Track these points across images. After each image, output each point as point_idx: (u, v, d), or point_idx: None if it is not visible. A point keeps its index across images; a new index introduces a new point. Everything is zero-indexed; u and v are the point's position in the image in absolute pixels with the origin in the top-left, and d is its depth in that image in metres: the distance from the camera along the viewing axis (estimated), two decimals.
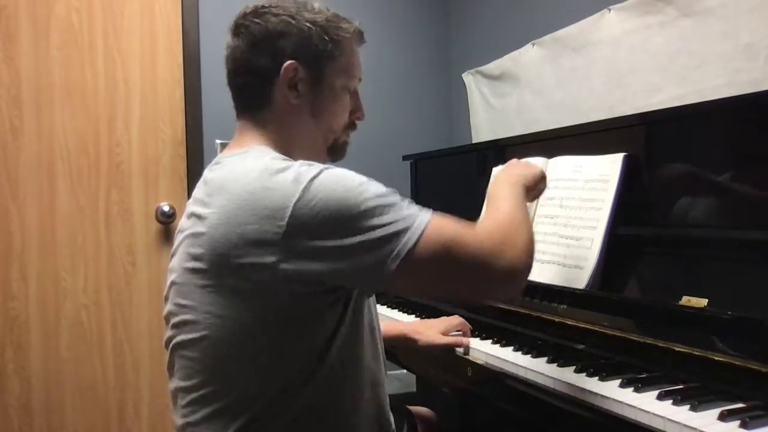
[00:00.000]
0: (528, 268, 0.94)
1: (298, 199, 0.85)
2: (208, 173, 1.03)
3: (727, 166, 1.16)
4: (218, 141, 2.31)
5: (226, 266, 0.88)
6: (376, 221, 0.85)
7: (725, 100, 1.27)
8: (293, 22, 1.00)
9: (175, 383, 1.00)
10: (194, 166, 2.28)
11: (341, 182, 0.87)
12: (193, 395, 0.95)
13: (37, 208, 2.09)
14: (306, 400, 0.93)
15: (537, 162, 1.52)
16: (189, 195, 2.24)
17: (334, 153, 1.11)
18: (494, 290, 0.96)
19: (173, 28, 2.26)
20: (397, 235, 0.85)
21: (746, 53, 1.47)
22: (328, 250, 0.85)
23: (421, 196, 2.22)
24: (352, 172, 0.90)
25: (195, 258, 0.92)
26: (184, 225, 1.02)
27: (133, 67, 2.21)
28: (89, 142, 2.15)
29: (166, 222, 2.25)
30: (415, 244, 0.85)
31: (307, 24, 1.00)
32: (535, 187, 1.17)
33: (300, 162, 0.92)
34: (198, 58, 2.29)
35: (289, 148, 1.02)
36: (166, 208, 2.23)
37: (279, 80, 1.00)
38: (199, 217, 0.94)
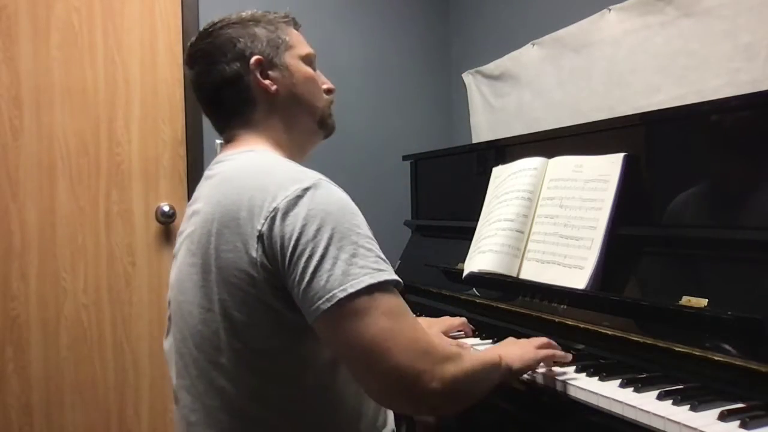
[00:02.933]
0: (440, 404, 0.87)
1: (286, 200, 0.86)
2: (208, 172, 1.06)
3: (727, 166, 1.16)
4: (218, 141, 2.30)
5: (215, 259, 0.90)
6: (341, 253, 0.84)
7: (725, 100, 1.27)
8: (237, 25, 1.08)
9: (173, 380, 1.01)
10: (194, 166, 2.28)
11: (332, 199, 0.89)
12: (191, 392, 0.95)
13: (37, 208, 2.09)
14: (305, 399, 0.93)
15: (537, 162, 1.52)
16: (189, 195, 2.26)
17: (324, 127, 1.14)
18: (391, 390, 0.85)
19: (173, 28, 2.26)
20: (347, 276, 0.83)
21: (746, 53, 1.47)
22: (286, 257, 0.85)
23: (420, 196, 2.22)
24: (348, 197, 0.91)
25: (192, 254, 0.95)
26: (185, 225, 1.03)
27: (133, 67, 2.21)
28: (89, 142, 2.15)
29: (166, 222, 2.24)
30: (354, 295, 0.82)
31: (250, 22, 1.08)
32: (520, 361, 1.06)
33: (300, 168, 0.94)
34: None
35: (284, 137, 1.06)
36: (166, 208, 2.23)
37: (252, 77, 1.04)
38: (197, 213, 0.97)
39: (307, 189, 0.88)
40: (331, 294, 0.82)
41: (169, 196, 2.26)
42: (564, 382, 1.06)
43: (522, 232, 1.48)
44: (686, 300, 1.07)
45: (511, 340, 1.16)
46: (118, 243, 2.19)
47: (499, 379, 0.98)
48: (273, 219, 0.86)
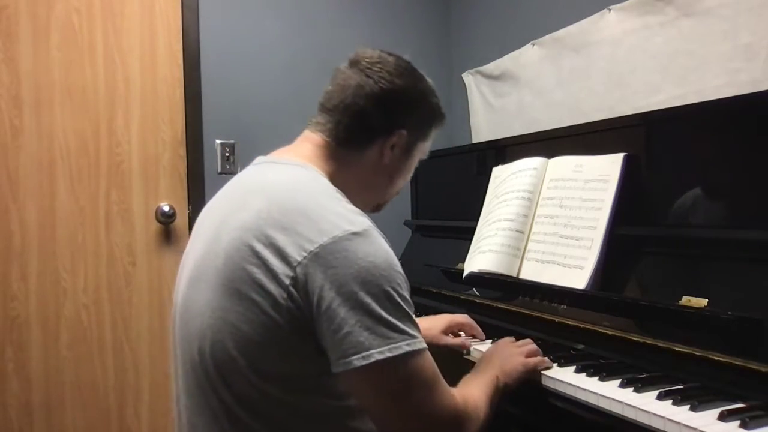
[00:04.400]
0: None
1: (333, 241, 0.84)
2: (253, 168, 1.03)
3: (727, 166, 1.16)
4: (218, 141, 2.31)
5: (239, 270, 0.87)
6: (384, 312, 0.83)
7: (725, 100, 1.27)
8: (422, 96, 1.07)
9: (177, 378, 1.00)
10: (194, 166, 2.28)
11: (379, 253, 0.86)
12: (195, 394, 0.94)
13: (37, 208, 2.09)
14: (309, 422, 0.91)
15: (537, 162, 1.52)
16: (189, 195, 2.27)
17: (377, 208, 1.14)
18: None
19: (173, 28, 2.26)
20: (387, 339, 0.82)
21: (746, 53, 1.47)
22: (324, 300, 0.83)
23: (420, 196, 2.22)
24: (392, 252, 0.90)
25: (216, 255, 0.91)
26: (212, 218, 1.00)
27: (133, 67, 2.21)
28: (89, 142, 2.15)
29: (166, 222, 2.24)
30: (391, 360, 0.82)
31: (430, 104, 1.09)
32: (514, 377, 1.10)
33: (353, 208, 0.91)
34: (198, 58, 2.29)
35: (344, 188, 0.98)
36: (166, 208, 2.23)
37: (384, 141, 1.03)
38: (229, 214, 0.94)
39: (357, 234, 0.85)
40: (368, 353, 0.81)
41: (169, 196, 2.26)
42: (564, 382, 1.06)
43: (522, 232, 1.48)
44: (686, 300, 1.08)
45: (501, 347, 1.17)
46: (118, 243, 2.19)
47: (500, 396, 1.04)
48: (316, 256, 0.83)
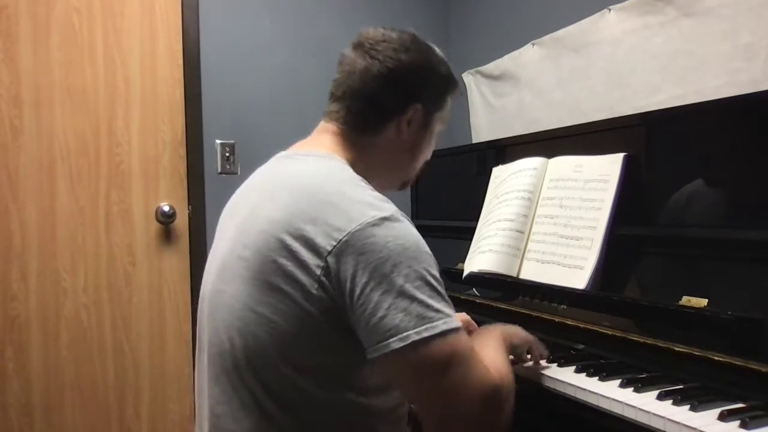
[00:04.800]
0: (502, 423, 0.92)
1: (361, 228, 0.84)
2: (276, 162, 1.02)
3: (727, 166, 1.16)
4: (218, 141, 2.31)
5: (269, 262, 0.87)
6: (417, 293, 0.83)
7: (725, 100, 1.27)
8: (430, 68, 1.04)
9: (202, 368, 1.00)
10: (194, 166, 2.27)
11: (407, 236, 0.87)
12: (220, 384, 0.94)
13: (37, 208, 2.09)
14: (336, 416, 0.91)
15: (537, 162, 1.52)
16: (189, 195, 2.27)
17: (401, 188, 1.15)
18: (465, 427, 0.87)
19: (173, 28, 2.26)
20: (423, 319, 0.82)
21: (746, 53, 1.47)
22: (357, 286, 0.83)
23: (420, 196, 2.22)
24: (420, 235, 0.90)
25: (244, 246, 0.92)
26: (237, 210, 1.01)
27: (133, 67, 2.21)
28: (89, 142, 2.15)
29: (166, 222, 2.24)
30: (429, 339, 0.82)
31: (441, 74, 1.06)
32: (519, 345, 1.12)
33: (379, 195, 0.92)
34: (198, 58, 2.29)
35: (367, 173, 0.99)
36: (166, 208, 2.23)
37: (400, 119, 1.02)
38: (256, 207, 0.94)
39: (385, 219, 0.86)
40: (405, 334, 0.81)
41: (169, 196, 2.26)
42: (564, 382, 1.06)
43: (522, 232, 1.48)
44: (686, 300, 1.07)
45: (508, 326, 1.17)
46: (118, 243, 2.19)
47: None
48: (345, 243, 0.84)
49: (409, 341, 0.81)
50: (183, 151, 2.28)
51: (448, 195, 2.08)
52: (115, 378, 2.19)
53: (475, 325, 1.38)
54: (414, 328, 0.81)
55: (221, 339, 0.93)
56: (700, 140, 1.22)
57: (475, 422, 0.85)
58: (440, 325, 0.83)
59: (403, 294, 0.82)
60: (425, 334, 0.81)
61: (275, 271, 0.87)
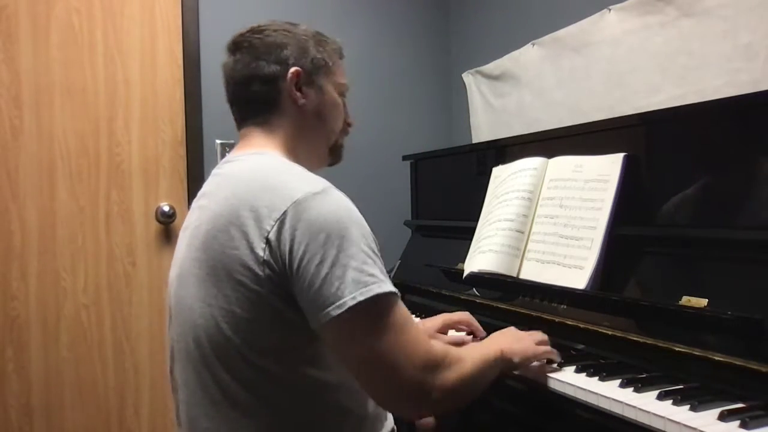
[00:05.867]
0: (441, 409, 0.95)
1: (296, 203, 0.88)
2: (217, 170, 1.07)
3: (727, 166, 1.16)
4: (218, 141, 2.31)
5: (218, 255, 0.91)
6: (351, 261, 0.86)
7: (725, 100, 1.27)
8: (290, 34, 1.10)
9: (175, 375, 1.02)
10: (194, 166, 2.27)
11: (341, 207, 0.90)
12: (190, 386, 0.97)
13: (37, 208, 2.09)
14: (306, 396, 0.93)
15: (537, 162, 1.52)
16: (189, 195, 2.27)
17: (333, 154, 1.18)
18: (395, 399, 0.91)
19: (173, 28, 2.26)
20: (358, 284, 0.85)
21: (746, 53, 1.47)
22: (295, 260, 0.86)
23: (421, 196, 2.22)
24: (354, 206, 0.93)
25: (196, 248, 0.96)
26: (189, 220, 1.05)
27: (133, 67, 2.21)
28: (89, 142, 2.15)
29: (166, 222, 2.24)
30: (364, 303, 0.84)
31: (303, 36, 1.11)
32: (519, 355, 1.08)
33: (310, 174, 0.96)
34: (198, 58, 2.29)
35: (295, 149, 1.07)
36: (166, 208, 2.23)
37: (286, 84, 1.06)
38: (203, 209, 0.99)
39: (316, 194, 0.90)
40: (341, 301, 0.84)
41: (169, 196, 2.26)
42: (564, 382, 1.06)
43: (522, 232, 1.48)
44: (686, 300, 1.08)
45: (512, 331, 1.16)
46: (118, 243, 2.19)
47: (499, 372, 1.02)
48: (282, 222, 0.87)
49: (345, 307, 0.84)
50: (183, 151, 2.28)
51: (448, 195, 2.08)
52: (115, 378, 2.18)
53: (477, 324, 1.38)
54: (350, 294, 0.84)
55: (188, 343, 0.96)
56: (700, 140, 1.22)
57: (411, 389, 0.87)
58: (374, 288, 0.85)
59: (336, 263, 0.85)
60: (360, 298, 0.84)
61: (225, 262, 0.90)
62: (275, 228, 0.87)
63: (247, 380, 0.92)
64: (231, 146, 2.33)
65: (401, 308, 0.89)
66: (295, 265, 0.86)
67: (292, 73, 1.06)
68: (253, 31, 1.11)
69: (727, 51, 1.52)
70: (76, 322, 2.13)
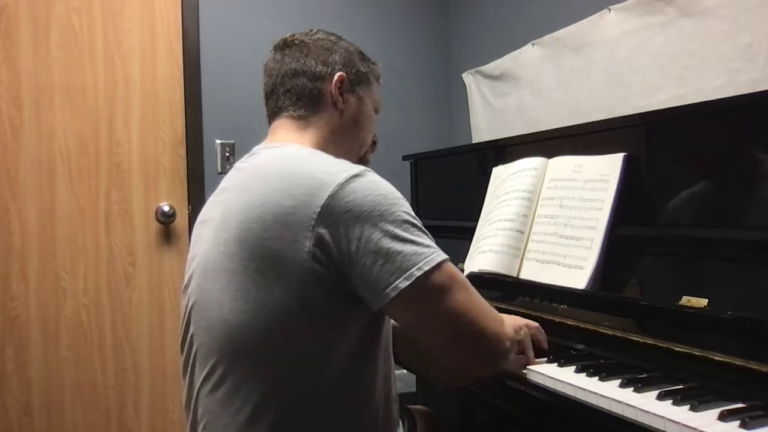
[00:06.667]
0: (505, 362, 1.02)
1: (339, 188, 0.88)
2: (240, 163, 1.06)
3: (727, 166, 1.16)
4: (218, 141, 2.31)
5: (254, 248, 0.89)
6: (407, 234, 0.89)
7: (725, 100, 1.27)
8: (338, 43, 1.13)
9: (193, 370, 1.00)
10: (194, 166, 2.28)
11: (382, 186, 0.92)
12: (212, 380, 0.95)
13: (37, 208, 2.09)
14: (329, 390, 0.93)
15: (537, 162, 1.52)
16: (189, 195, 2.27)
17: (362, 162, 1.18)
18: (477, 354, 0.96)
19: (173, 28, 2.26)
20: (420, 255, 0.88)
21: (746, 53, 1.47)
22: (352, 243, 0.87)
23: (421, 196, 2.22)
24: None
25: (225, 241, 0.93)
26: (209, 214, 1.03)
27: (133, 67, 2.21)
28: (89, 142, 2.15)
29: (166, 222, 2.24)
30: (430, 272, 0.87)
31: (350, 48, 1.14)
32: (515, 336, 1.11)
33: (342, 159, 0.97)
34: (198, 58, 2.29)
35: (326, 150, 1.05)
36: (166, 208, 2.23)
37: (330, 86, 1.08)
38: (227, 202, 0.97)
39: (357, 176, 0.90)
40: (408, 273, 0.86)
41: (169, 196, 2.26)
42: (564, 382, 1.06)
43: (522, 232, 1.48)
44: (686, 300, 1.07)
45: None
46: (118, 243, 2.19)
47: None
48: (328, 207, 0.87)
49: (414, 278, 0.86)
50: (183, 151, 2.28)
51: (448, 195, 2.08)
52: (115, 378, 2.19)
53: (544, 333, 1.31)
54: (415, 266, 0.87)
55: (212, 336, 0.94)
56: (700, 140, 1.22)
57: (491, 339, 0.93)
58: (435, 258, 0.89)
59: (396, 238, 0.87)
60: (425, 268, 0.87)
61: (262, 254, 0.89)
62: (321, 216, 0.87)
63: (274, 376, 0.90)
64: (231, 146, 2.33)
65: (458, 270, 0.93)
66: (353, 248, 0.86)
67: (338, 77, 1.08)
68: (305, 33, 1.13)
69: (727, 51, 1.52)
70: (76, 322, 2.13)
